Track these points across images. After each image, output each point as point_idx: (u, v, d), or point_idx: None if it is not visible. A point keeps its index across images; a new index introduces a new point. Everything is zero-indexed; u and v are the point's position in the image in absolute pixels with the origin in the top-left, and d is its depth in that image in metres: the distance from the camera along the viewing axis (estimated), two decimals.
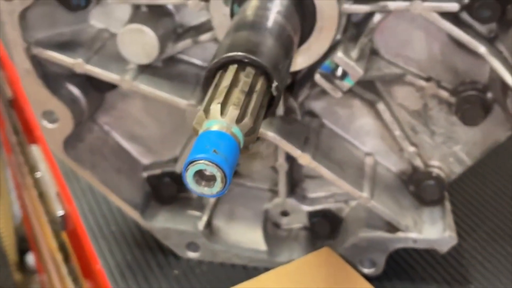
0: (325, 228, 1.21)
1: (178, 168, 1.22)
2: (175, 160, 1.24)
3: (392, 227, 1.13)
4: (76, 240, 1.35)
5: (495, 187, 1.37)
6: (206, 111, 0.74)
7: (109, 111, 1.22)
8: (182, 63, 1.14)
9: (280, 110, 1.12)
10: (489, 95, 1.08)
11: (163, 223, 1.22)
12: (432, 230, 1.13)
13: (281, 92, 0.81)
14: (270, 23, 0.89)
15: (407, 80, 1.09)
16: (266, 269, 1.21)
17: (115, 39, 1.11)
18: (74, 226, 1.38)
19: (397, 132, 1.13)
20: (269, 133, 1.08)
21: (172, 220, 1.22)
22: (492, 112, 1.09)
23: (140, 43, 1.06)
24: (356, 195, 1.11)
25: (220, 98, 0.74)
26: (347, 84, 1.03)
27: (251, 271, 1.22)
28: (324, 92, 1.08)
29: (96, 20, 1.13)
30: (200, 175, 0.69)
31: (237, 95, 0.75)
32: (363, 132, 1.16)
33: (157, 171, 1.24)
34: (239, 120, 0.73)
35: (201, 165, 0.67)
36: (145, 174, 1.25)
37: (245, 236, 1.23)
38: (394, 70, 1.08)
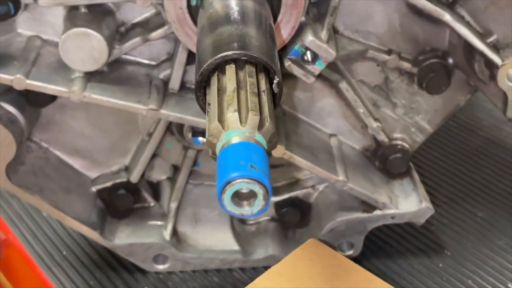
0: (295, 217, 1.16)
1: (133, 178, 1.12)
2: (125, 169, 1.14)
3: (368, 207, 1.11)
4: (22, 270, 1.22)
5: (444, 150, 1.39)
6: (222, 121, 0.66)
7: (46, 126, 1.10)
8: (128, 64, 1.04)
9: None
10: (450, 61, 1.07)
11: (126, 239, 1.12)
12: (408, 204, 1.11)
13: (282, 88, 0.74)
14: (247, 12, 0.82)
15: (369, 55, 1.05)
16: (242, 270, 1.16)
17: (51, 46, 0.99)
18: (13, 256, 1.24)
19: (361, 110, 1.10)
20: None
21: (134, 235, 1.13)
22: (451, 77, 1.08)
23: (87, 48, 0.95)
24: (333, 180, 1.07)
25: (233, 104, 0.67)
26: (318, 67, 0.98)
27: (226, 274, 1.15)
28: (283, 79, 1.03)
29: (24, 27, 1.00)
30: (236, 195, 0.61)
31: (251, 99, 0.68)
32: (324, 113, 1.12)
33: (108, 184, 1.14)
34: (260, 126, 0.66)
35: (240, 184, 0.60)
36: (94, 189, 1.14)
37: (214, 238, 1.16)
38: (356, 46, 1.04)
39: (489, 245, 1.18)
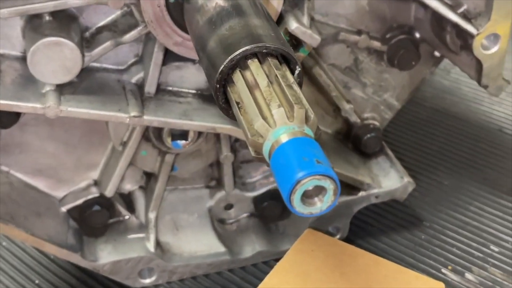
0: (276, 209, 1.14)
1: (108, 191, 1.05)
2: (95, 184, 1.07)
3: (352, 189, 1.10)
4: None
5: (395, 125, 1.40)
6: (267, 118, 0.62)
7: (5, 148, 1.01)
8: (95, 71, 0.97)
9: None
10: (417, 35, 1.08)
11: (108, 257, 1.05)
12: (389, 181, 1.12)
13: (302, 78, 0.72)
14: (247, 2, 0.77)
15: (340, 38, 1.05)
16: (230, 271, 1.12)
17: (9, 61, 0.91)
18: None
19: (334, 93, 1.09)
20: (226, 126, 0.97)
21: (116, 251, 1.06)
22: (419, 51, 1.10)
23: (59, 58, 0.87)
24: None
25: (275, 99, 0.63)
26: (302, 55, 0.95)
27: (215, 278, 1.11)
28: None
29: None
30: (303, 194, 0.58)
31: (289, 92, 0.64)
32: None
33: (79, 202, 1.07)
34: (307, 119, 0.63)
35: (311, 181, 0.57)
36: (63, 209, 1.06)
37: (198, 243, 1.11)
38: (329, 30, 1.03)
39: (463, 211, 1.22)
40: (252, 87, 0.66)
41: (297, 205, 0.58)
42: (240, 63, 0.69)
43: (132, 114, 0.93)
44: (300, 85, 0.71)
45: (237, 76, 0.68)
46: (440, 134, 1.39)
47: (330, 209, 0.59)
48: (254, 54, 0.69)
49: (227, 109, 0.71)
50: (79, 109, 0.91)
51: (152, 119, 0.94)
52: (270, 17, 0.78)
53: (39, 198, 1.05)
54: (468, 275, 1.09)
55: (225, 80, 0.70)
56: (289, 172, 0.57)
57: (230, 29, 0.72)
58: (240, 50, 0.68)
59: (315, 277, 0.93)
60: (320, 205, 0.59)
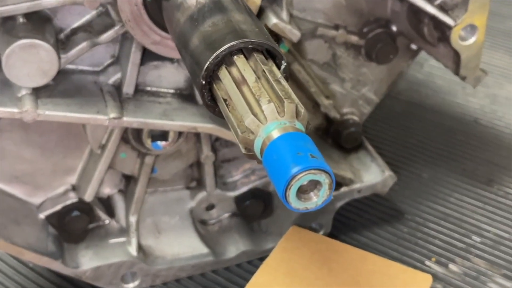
0: (258, 208, 1.13)
1: (88, 196, 1.03)
2: (73, 189, 1.05)
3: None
4: None
5: (373, 119, 1.40)
6: (257, 114, 0.61)
7: None
8: (71, 73, 0.95)
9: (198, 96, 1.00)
10: (393, 28, 1.08)
11: (90, 263, 1.03)
12: (370, 175, 1.12)
13: (289, 73, 0.71)
14: None
15: (318, 33, 1.04)
16: (214, 272, 1.11)
17: None
18: None
19: (313, 89, 1.09)
20: (208, 125, 0.95)
21: (98, 257, 1.04)
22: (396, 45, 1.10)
23: (35, 61, 0.85)
24: None
25: (264, 95, 0.62)
26: (282, 50, 0.94)
27: (199, 280, 1.10)
28: None
29: None
30: (298, 189, 0.57)
31: (278, 87, 0.63)
32: None
33: (57, 208, 1.04)
34: (298, 114, 0.62)
35: (307, 176, 0.56)
36: (42, 216, 1.04)
37: (181, 245, 1.10)
38: (307, 25, 1.03)
39: (443, 202, 1.22)
40: (239, 83, 0.65)
41: (292, 201, 0.57)
42: (226, 60, 0.68)
43: (111, 115, 0.91)
44: (286, 79, 0.70)
45: (223, 73, 0.67)
46: (416, 127, 1.40)
47: (326, 203, 0.58)
48: (239, 50, 0.68)
49: (213, 106, 0.70)
50: (57, 112, 0.88)
51: (131, 120, 0.92)
52: (252, 12, 0.77)
53: (16, 205, 1.02)
54: (452, 266, 1.10)
55: (211, 77, 0.69)
56: (284, 168, 0.56)
57: (213, 25, 0.71)
58: (226, 46, 0.67)
59: (303, 275, 0.92)
60: (316, 200, 0.58)
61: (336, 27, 1.05)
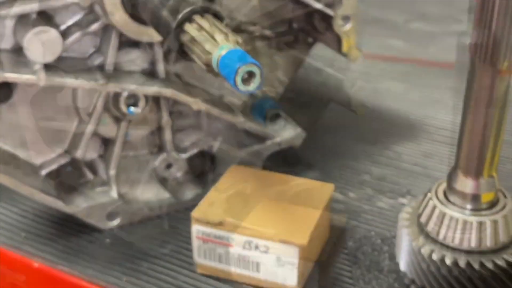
0: (205, 165, 1.50)
1: (79, 154, 1.38)
2: (65, 152, 1.39)
3: (261, 140, 1.49)
4: None
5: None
6: (213, 42, 1.01)
7: None
8: (65, 59, 1.31)
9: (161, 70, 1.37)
10: (295, 26, 1.51)
11: (84, 203, 1.37)
12: (287, 132, 1.52)
13: (229, 26, 1.11)
14: None
15: (242, 28, 1.45)
16: (176, 211, 1.46)
17: (6, 53, 1.24)
18: None
19: None
20: (166, 90, 1.34)
21: (89, 199, 1.38)
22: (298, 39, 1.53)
23: (46, 42, 1.22)
24: (238, 121, 1.44)
25: (217, 31, 1.02)
26: None
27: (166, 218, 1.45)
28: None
29: None
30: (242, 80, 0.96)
31: (224, 30, 1.04)
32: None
33: (53, 167, 1.38)
34: (238, 43, 1.02)
35: (246, 68, 0.95)
36: (43, 172, 1.37)
37: (149, 193, 1.44)
38: (234, 22, 1.44)
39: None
40: (199, 29, 1.05)
41: (239, 85, 0.96)
42: (189, 18, 1.08)
43: (101, 82, 1.28)
44: None
45: (187, 26, 1.07)
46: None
47: (260, 88, 0.98)
48: (196, 12, 1.08)
49: (182, 51, 1.08)
50: (63, 78, 1.25)
51: (116, 85, 1.29)
52: None
53: (24, 164, 1.35)
54: (351, 194, 1.50)
55: (179, 31, 1.08)
56: (232, 65, 0.95)
57: (175, 1, 1.11)
58: (188, 9, 1.07)
59: (257, 193, 1.28)
60: (253, 85, 0.97)
61: (254, 24, 1.47)
